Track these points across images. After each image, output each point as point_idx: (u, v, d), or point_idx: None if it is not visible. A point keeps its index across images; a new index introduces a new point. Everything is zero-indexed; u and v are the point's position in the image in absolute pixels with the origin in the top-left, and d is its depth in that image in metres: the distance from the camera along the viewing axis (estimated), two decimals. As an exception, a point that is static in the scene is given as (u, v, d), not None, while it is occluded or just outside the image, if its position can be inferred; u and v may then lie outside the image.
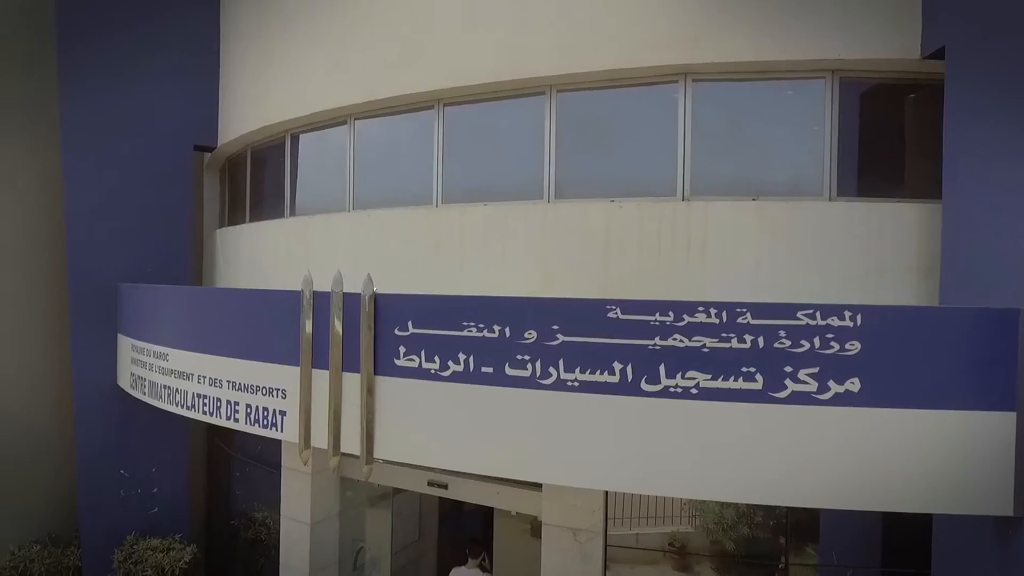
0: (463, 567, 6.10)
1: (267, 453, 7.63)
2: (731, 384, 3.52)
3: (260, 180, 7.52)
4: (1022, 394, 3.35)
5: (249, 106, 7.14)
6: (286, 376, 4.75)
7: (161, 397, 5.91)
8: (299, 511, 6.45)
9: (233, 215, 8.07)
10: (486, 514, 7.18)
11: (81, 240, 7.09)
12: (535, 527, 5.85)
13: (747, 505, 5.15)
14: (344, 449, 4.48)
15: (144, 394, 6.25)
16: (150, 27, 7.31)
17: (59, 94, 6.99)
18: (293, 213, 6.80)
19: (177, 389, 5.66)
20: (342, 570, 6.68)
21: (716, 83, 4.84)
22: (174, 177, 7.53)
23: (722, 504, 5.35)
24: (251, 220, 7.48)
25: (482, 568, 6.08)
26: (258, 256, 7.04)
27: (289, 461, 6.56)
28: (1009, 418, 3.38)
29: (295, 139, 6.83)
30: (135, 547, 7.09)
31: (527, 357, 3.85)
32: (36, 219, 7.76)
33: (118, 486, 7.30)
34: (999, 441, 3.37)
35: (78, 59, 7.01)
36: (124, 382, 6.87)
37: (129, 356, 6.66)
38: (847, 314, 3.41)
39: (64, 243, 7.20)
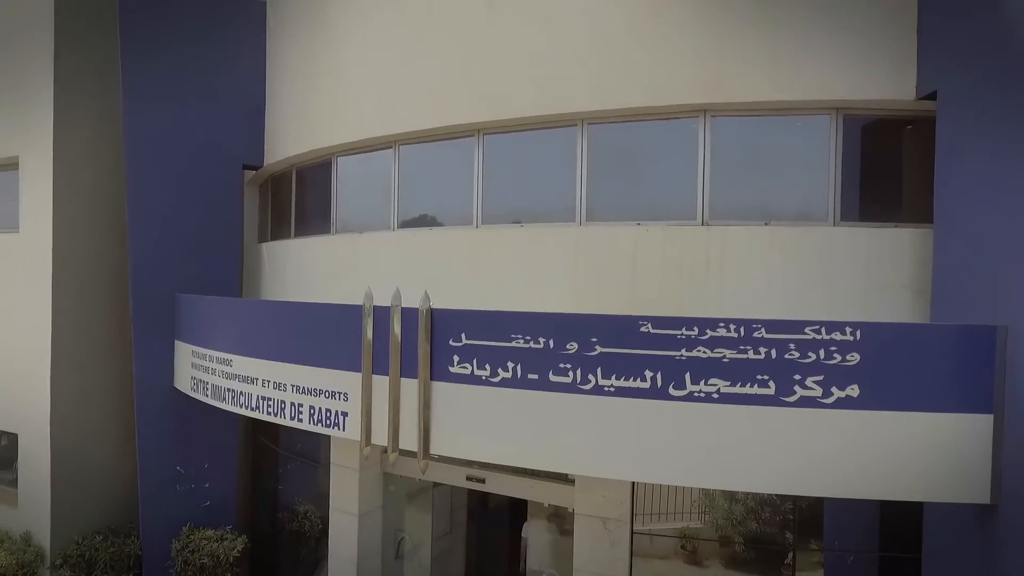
0: None
1: (309, 451, 8.25)
2: (747, 390, 4.09)
3: (304, 197, 8.12)
4: (999, 399, 3.91)
5: (297, 130, 7.74)
6: (347, 381, 5.33)
7: (224, 399, 6.51)
8: (348, 504, 7.04)
9: (276, 229, 8.66)
10: (513, 508, 7.76)
11: (142, 253, 7.67)
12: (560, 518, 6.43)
13: (755, 501, 5.71)
14: (402, 446, 5.05)
15: (206, 396, 6.85)
16: (205, 53, 7.90)
17: (123, 114, 7.57)
18: (339, 230, 7.38)
19: (241, 392, 6.26)
20: (385, 559, 7.27)
21: (732, 118, 5.41)
22: (225, 194, 8.14)
23: (731, 501, 5.92)
24: (296, 235, 8.07)
25: None
26: (306, 269, 7.63)
27: (338, 458, 7.14)
28: (987, 420, 3.94)
29: (341, 161, 7.41)
30: (191, 537, 7.69)
31: (569, 365, 4.42)
32: (103, 231, 8.35)
33: (175, 481, 7.90)
34: (978, 439, 3.93)
35: (140, 82, 7.59)
36: (183, 385, 7.47)
37: (189, 361, 7.26)
38: (848, 330, 3.98)
39: (126, 255, 7.80)
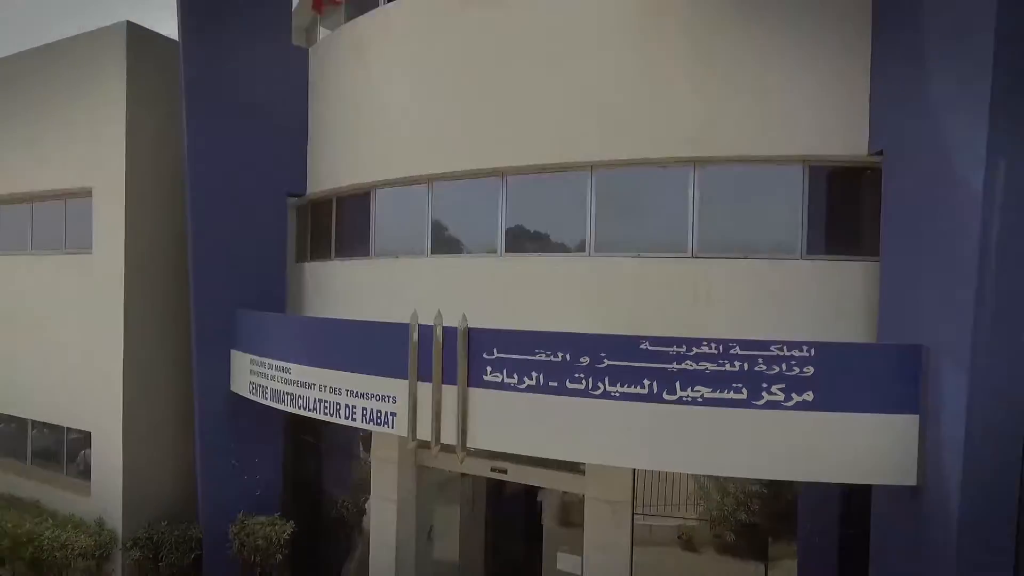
0: None
1: (345, 446, 9.32)
2: (725, 395, 5.15)
3: (344, 223, 9.18)
4: (923, 403, 4.97)
5: (339, 165, 8.81)
6: (395, 386, 6.39)
7: (283, 402, 7.58)
8: (387, 492, 8.11)
9: (316, 251, 9.72)
10: (527, 496, 8.83)
11: (201, 272, 8.72)
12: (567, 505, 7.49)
13: (744, 495, 6.78)
14: (443, 441, 6.11)
15: (265, 399, 7.92)
16: (255, 96, 8.92)
17: (186, 153, 8.64)
18: (377, 254, 8.44)
19: (299, 395, 7.33)
20: (419, 539, 8.34)
21: (718, 168, 6.47)
22: (273, 220, 9.20)
23: (723, 495, 6.98)
24: (336, 257, 9.13)
25: None
26: (348, 288, 8.70)
27: (379, 452, 8.21)
28: (914, 419, 5.00)
29: (379, 192, 8.47)
30: (245, 523, 8.74)
31: (582, 375, 5.49)
32: (167, 253, 9.42)
33: (230, 474, 8.97)
34: (907, 434, 4.99)
35: (199, 124, 8.62)
36: (241, 389, 8.53)
37: (247, 368, 8.33)
38: (804, 347, 5.04)
39: (187, 274, 8.87)
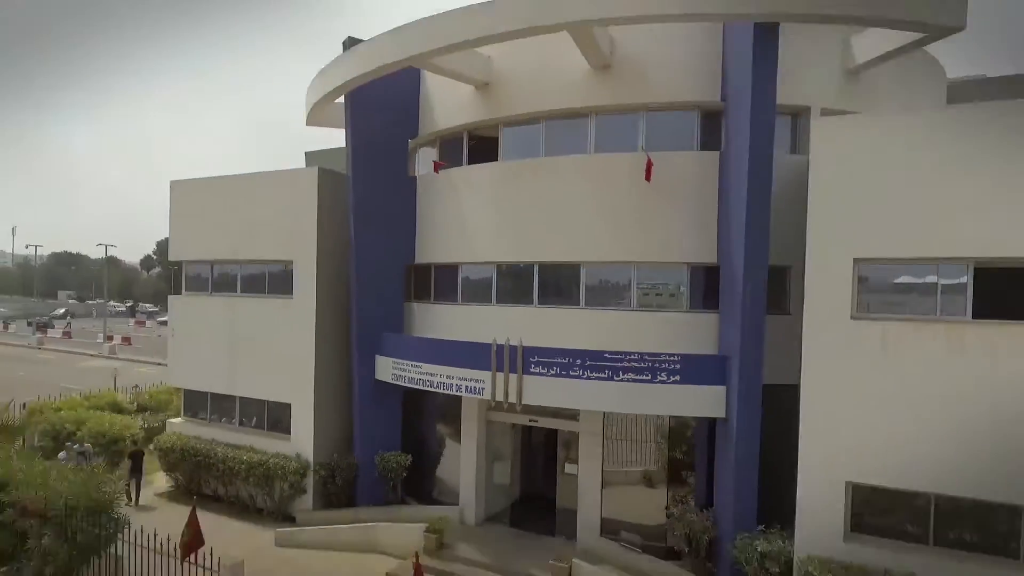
0: None
1: (433, 411, 15.78)
2: (641, 377, 11.57)
3: (439, 281, 15.58)
4: (729, 381, 11.35)
5: (437, 248, 15.24)
6: (483, 374, 12.80)
7: (417, 384, 14.04)
8: (471, 434, 14.60)
9: (420, 295, 16.08)
10: (547, 435, 15.25)
11: (359, 308, 15.17)
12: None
13: (667, 430, 13.16)
14: (510, 400, 12.53)
15: (405, 383, 14.39)
16: (389, 206, 15.37)
17: (352, 241, 15.11)
18: (462, 302, 14.86)
19: (428, 380, 13.78)
20: (487, 462, 14.82)
21: (648, 267, 12.86)
22: (398, 276, 15.69)
23: (656, 430, 13.34)
24: (435, 301, 15.54)
25: None
26: (443, 320, 15.08)
27: (467, 412, 14.69)
28: (723, 388, 11.40)
29: (463, 266, 14.88)
30: (384, 455, 15.19)
31: (577, 368, 11.92)
32: (338, 296, 15.88)
33: (384, 427, 15.43)
34: (720, 394, 11.41)
35: (360, 227, 15.07)
36: (385, 377, 14.98)
37: (391, 365, 14.78)
38: (676, 357, 11.48)
39: (350, 308, 15.34)
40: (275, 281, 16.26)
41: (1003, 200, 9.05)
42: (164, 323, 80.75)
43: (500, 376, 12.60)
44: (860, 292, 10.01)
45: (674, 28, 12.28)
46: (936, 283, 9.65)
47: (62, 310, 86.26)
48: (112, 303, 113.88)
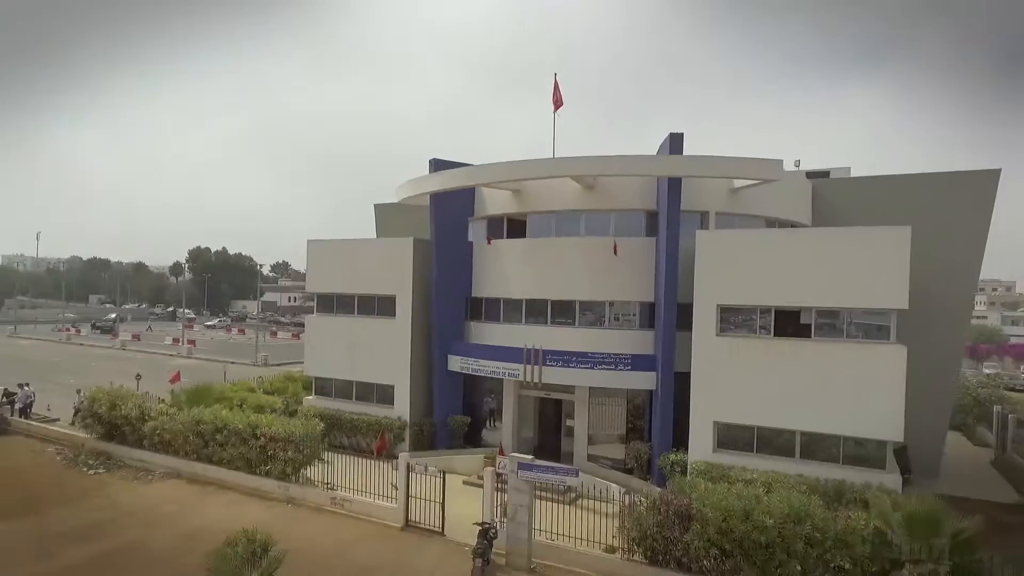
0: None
1: (482, 388, 24.96)
2: (610, 367, 20.71)
3: (488, 307, 24.70)
4: (657, 369, 20.43)
5: (487, 286, 24.41)
6: (517, 366, 21.98)
7: (475, 372, 23.24)
8: (510, 404, 23.77)
9: (474, 316, 25.20)
10: (555, 404, 24.37)
11: (438, 324, 24.35)
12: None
13: (623, 402, 22.30)
14: (533, 381, 21.68)
15: (469, 371, 23.58)
16: (456, 255, 24.53)
17: (434, 278, 24.28)
18: (503, 321, 23.99)
19: (482, 370, 22.98)
20: (521, 421, 23.98)
21: (619, 302, 21.99)
22: (462, 304, 24.87)
23: (623, 398, 22.43)
24: (484, 320, 24.68)
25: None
26: (491, 333, 24.23)
27: (508, 389, 23.85)
28: (654, 373, 20.47)
29: (503, 299, 24.00)
30: (452, 417, 24.36)
31: (574, 362, 21.06)
32: (424, 316, 25.10)
33: (452, 400, 24.60)
34: (652, 375, 20.49)
35: (439, 270, 24.25)
36: (455, 368, 24.15)
37: (459, 361, 23.96)
38: (628, 356, 20.62)
39: (432, 325, 24.52)
40: (382, 306, 25.44)
41: (784, 277, 18.19)
42: (211, 327, 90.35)
43: (528, 367, 21.71)
44: (720, 322, 19.13)
45: (635, 164, 21.46)
46: (756, 318, 18.76)
47: (114, 315, 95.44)
48: (151, 308, 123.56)
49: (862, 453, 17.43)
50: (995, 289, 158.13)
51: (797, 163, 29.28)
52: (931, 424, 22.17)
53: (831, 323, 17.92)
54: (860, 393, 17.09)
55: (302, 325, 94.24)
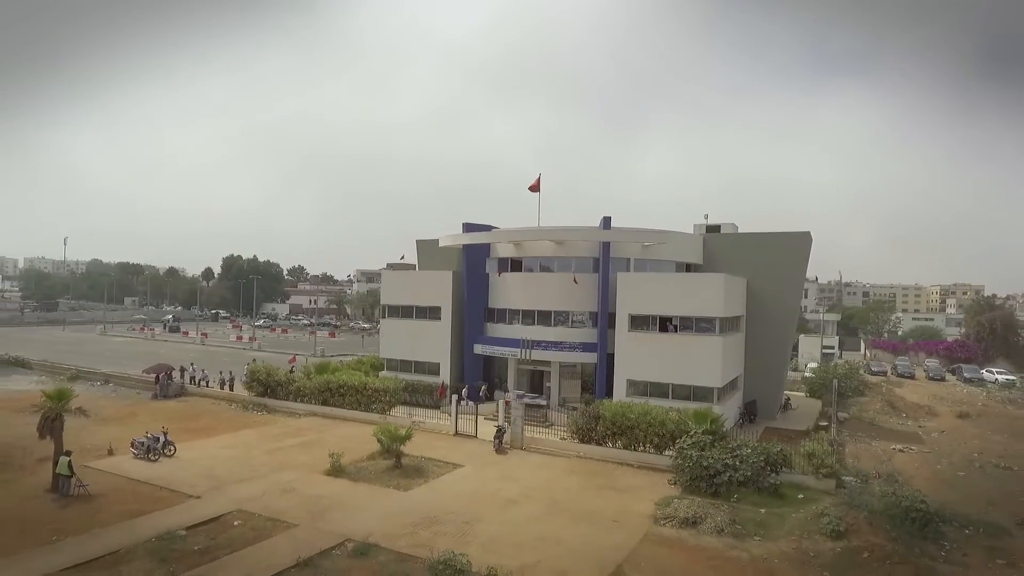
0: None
1: (494, 362, 39.91)
2: (572, 351, 35.55)
3: (498, 314, 39.54)
4: (598, 351, 35.21)
5: (498, 300, 39.29)
6: (516, 350, 36.85)
7: (491, 354, 38.22)
8: (511, 374, 38.68)
9: (490, 319, 39.98)
10: (541, 373, 39.14)
11: (468, 322, 39.20)
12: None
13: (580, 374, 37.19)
14: (528, 359, 36.55)
15: (486, 354, 38.51)
16: (477, 280, 39.36)
17: (465, 295, 39.09)
18: (507, 323, 38.81)
19: (496, 352, 37.91)
20: (520, 385, 38.93)
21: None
22: (482, 312, 39.75)
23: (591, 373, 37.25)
24: (496, 322, 39.51)
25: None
26: (501, 330, 39.06)
27: (510, 365, 38.69)
28: (595, 354, 35.27)
29: (508, 309, 38.83)
30: (477, 383, 39.19)
31: (552, 348, 35.95)
32: (459, 319, 40.02)
33: (475, 371, 39.43)
34: (595, 355, 35.30)
35: (469, 292, 39.07)
36: (479, 352, 39.02)
37: (480, 347, 38.83)
38: (581, 343, 35.51)
39: (464, 325, 39.38)
40: (431, 313, 40.29)
41: (662, 299, 33.17)
42: (259, 327, 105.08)
43: (524, 351, 36.50)
44: (630, 324, 34.01)
45: (585, 233, 36.36)
46: (649, 321, 33.66)
47: (170, 316, 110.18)
48: (189, 311, 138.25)
49: (701, 393, 32.28)
50: (964, 293, 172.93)
51: (706, 216, 43.98)
52: (771, 388, 37.33)
53: (687, 324, 32.82)
54: (699, 361, 32.00)
55: (335, 325, 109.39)
